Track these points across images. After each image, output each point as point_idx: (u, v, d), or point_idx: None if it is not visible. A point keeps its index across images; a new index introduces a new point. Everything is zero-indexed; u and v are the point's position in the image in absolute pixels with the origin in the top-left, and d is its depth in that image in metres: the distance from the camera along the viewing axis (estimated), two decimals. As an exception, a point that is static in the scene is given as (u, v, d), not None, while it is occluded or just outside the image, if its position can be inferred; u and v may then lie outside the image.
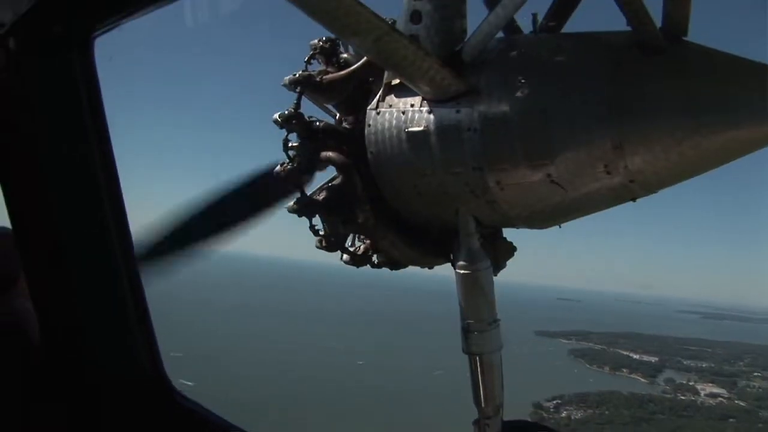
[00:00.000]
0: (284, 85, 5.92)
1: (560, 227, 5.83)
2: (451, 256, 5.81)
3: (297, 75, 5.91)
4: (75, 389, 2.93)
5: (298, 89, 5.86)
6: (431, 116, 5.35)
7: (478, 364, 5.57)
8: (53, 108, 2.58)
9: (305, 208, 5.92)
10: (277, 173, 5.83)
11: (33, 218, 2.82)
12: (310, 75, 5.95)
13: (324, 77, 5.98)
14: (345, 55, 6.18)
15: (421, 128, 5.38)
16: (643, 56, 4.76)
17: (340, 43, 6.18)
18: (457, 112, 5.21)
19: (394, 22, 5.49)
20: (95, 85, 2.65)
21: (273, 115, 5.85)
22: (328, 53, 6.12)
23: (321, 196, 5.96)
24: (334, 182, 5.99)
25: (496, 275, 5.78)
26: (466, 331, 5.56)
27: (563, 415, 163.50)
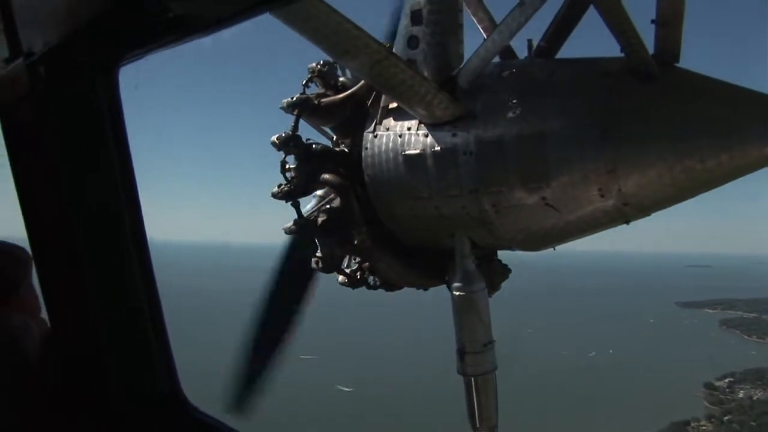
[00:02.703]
0: (282, 108, 5.99)
1: (554, 249, 5.92)
2: (447, 277, 5.86)
3: (295, 98, 6.00)
4: (92, 407, 2.93)
5: (295, 112, 5.95)
6: (428, 140, 5.43)
7: (473, 385, 5.62)
8: (78, 135, 2.63)
9: (302, 230, 6.03)
10: (274, 195, 5.89)
11: (54, 243, 2.84)
12: (307, 98, 6.03)
13: (321, 100, 6.06)
14: (342, 79, 6.28)
15: (418, 151, 5.46)
16: (637, 82, 4.87)
17: (338, 66, 6.26)
18: (454, 135, 5.30)
19: (391, 46, 5.60)
20: (119, 113, 2.70)
21: (271, 137, 5.93)
22: (326, 76, 6.21)
23: (318, 218, 6.06)
24: (331, 204, 6.07)
25: (491, 296, 5.83)
26: (461, 352, 5.60)
27: (741, 395, 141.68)
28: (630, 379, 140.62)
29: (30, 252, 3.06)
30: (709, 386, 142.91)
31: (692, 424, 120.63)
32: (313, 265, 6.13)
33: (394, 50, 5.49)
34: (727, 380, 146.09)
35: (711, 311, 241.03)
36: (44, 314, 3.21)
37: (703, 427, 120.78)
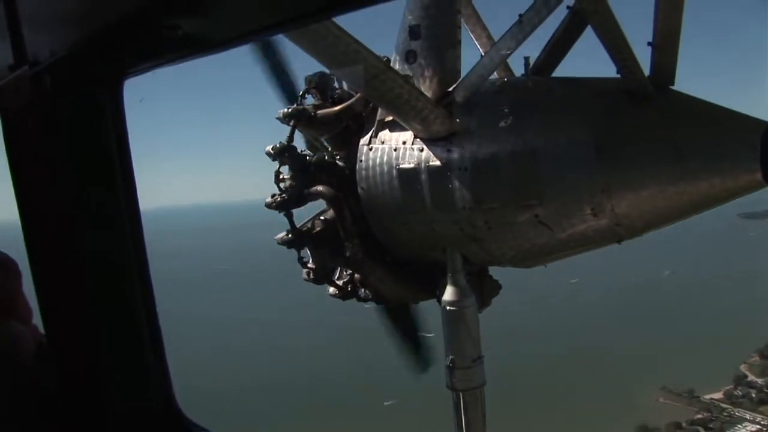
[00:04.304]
0: (278, 118, 6.00)
1: (545, 267, 5.94)
2: (437, 292, 5.86)
3: (291, 108, 6.02)
4: (86, 418, 2.94)
5: (291, 122, 5.97)
6: (422, 154, 5.44)
7: (462, 400, 5.63)
8: (81, 146, 2.66)
9: (295, 240, 6.06)
10: (268, 205, 5.91)
11: (54, 253, 2.86)
12: (304, 109, 6.05)
13: (318, 112, 6.07)
14: (339, 91, 6.29)
15: (412, 166, 5.47)
16: (632, 103, 4.90)
17: (335, 78, 6.27)
18: (449, 151, 5.31)
19: (389, 60, 5.62)
20: (123, 126, 2.74)
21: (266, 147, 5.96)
22: (323, 88, 6.22)
23: (311, 229, 6.10)
24: (324, 215, 6.09)
25: (481, 312, 5.84)
26: (450, 367, 5.60)
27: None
28: (713, 297, 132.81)
29: (12, 258, 3.09)
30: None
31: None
32: (304, 275, 6.16)
33: (391, 64, 5.51)
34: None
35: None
36: (35, 323, 3.23)
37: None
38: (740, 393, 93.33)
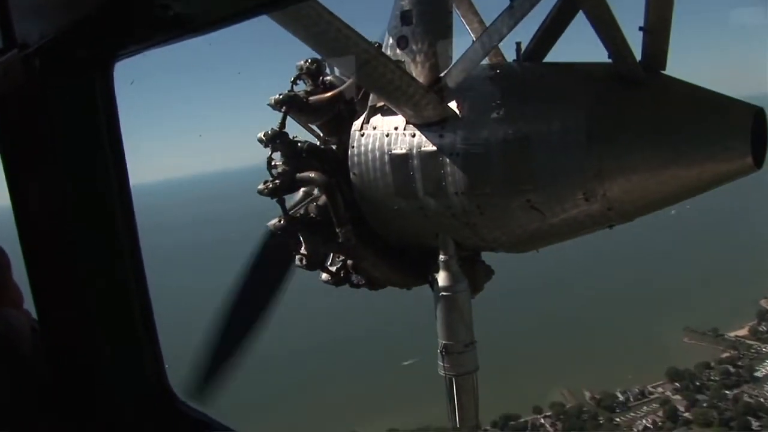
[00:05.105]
0: (270, 105, 5.99)
1: (537, 252, 5.93)
2: (430, 277, 5.89)
3: (282, 95, 6.00)
4: (79, 403, 3.03)
5: (283, 109, 5.95)
6: (414, 140, 5.43)
7: (454, 385, 5.71)
8: (72, 129, 2.68)
9: (287, 226, 6.05)
10: (260, 191, 5.94)
11: (46, 236, 2.92)
12: (295, 95, 6.04)
13: (310, 98, 6.07)
14: (330, 77, 6.27)
15: (404, 151, 5.47)
16: (623, 88, 4.88)
17: (326, 64, 6.23)
18: (441, 136, 5.30)
19: (380, 45, 5.57)
20: (113, 108, 2.75)
21: (258, 134, 5.96)
22: (314, 74, 6.20)
23: (303, 215, 6.09)
24: (316, 201, 6.11)
25: (473, 297, 5.89)
26: (443, 352, 5.66)
27: None
28: (724, 233, 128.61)
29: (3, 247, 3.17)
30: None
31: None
32: (297, 262, 6.22)
33: (383, 50, 5.46)
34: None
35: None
36: (26, 307, 3.31)
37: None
38: (765, 329, 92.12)
